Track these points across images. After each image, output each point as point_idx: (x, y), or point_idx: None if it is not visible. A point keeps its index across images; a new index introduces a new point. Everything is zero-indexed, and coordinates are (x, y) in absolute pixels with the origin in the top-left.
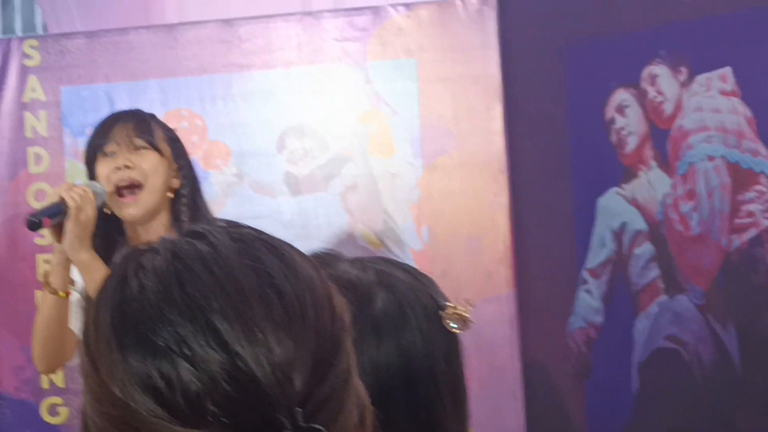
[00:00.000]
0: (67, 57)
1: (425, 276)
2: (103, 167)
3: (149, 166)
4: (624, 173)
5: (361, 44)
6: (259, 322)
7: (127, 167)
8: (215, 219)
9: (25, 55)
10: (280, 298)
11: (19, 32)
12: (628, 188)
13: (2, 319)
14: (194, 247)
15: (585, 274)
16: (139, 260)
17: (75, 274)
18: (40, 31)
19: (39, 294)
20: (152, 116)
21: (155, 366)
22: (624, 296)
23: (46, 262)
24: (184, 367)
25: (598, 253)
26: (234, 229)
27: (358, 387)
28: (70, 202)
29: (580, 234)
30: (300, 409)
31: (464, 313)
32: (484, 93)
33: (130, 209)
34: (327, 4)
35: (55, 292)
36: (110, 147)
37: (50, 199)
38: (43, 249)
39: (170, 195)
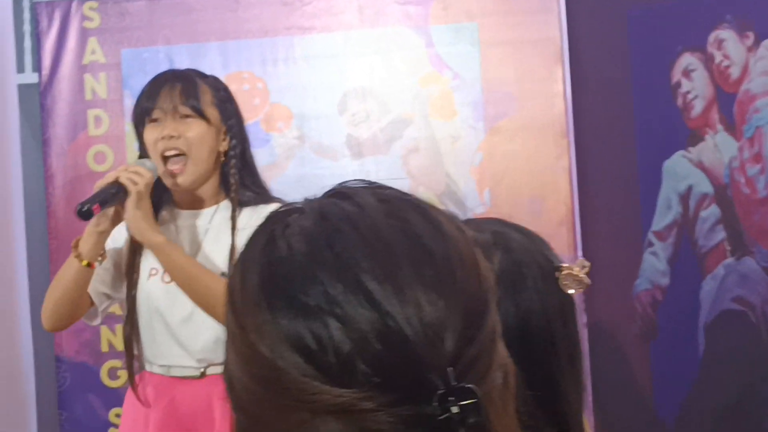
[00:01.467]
0: (127, 19)
1: (539, 237)
2: (150, 134)
3: (194, 135)
4: (690, 137)
5: (423, 8)
6: (409, 282)
7: (172, 137)
8: (263, 182)
9: (85, 17)
10: (429, 258)
11: None
12: (694, 151)
13: None
14: (341, 208)
15: (651, 237)
16: (285, 221)
17: (110, 244)
18: None
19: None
20: (202, 77)
21: (306, 326)
22: (690, 258)
23: None
24: (335, 326)
25: (664, 216)
26: (379, 189)
27: (502, 348)
28: (130, 187)
29: (645, 197)
30: (451, 369)
31: (580, 274)
32: (546, 56)
33: (177, 179)
34: None
35: (80, 258)
36: (156, 113)
37: (98, 180)
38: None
39: (221, 158)
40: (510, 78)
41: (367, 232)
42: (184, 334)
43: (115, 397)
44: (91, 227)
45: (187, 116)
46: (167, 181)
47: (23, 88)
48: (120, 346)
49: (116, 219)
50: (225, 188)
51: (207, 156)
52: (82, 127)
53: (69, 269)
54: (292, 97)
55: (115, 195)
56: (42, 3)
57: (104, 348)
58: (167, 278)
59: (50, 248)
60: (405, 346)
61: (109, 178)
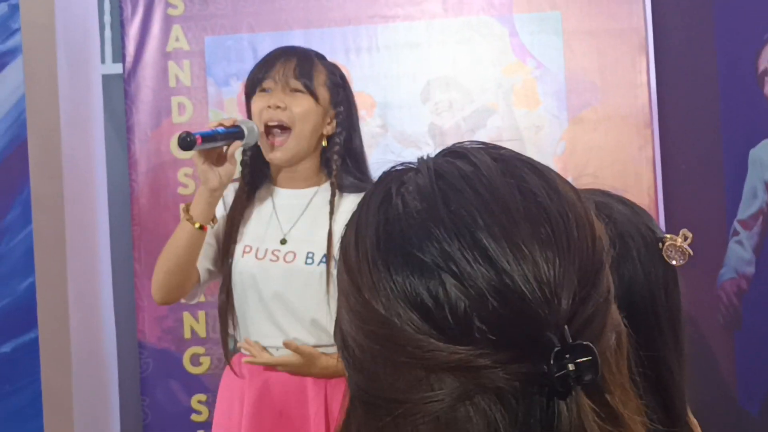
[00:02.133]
0: (210, 6)
1: (642, 208)
2: (258, 102)
3: (300, 111)
4: None
5: None
6: (526, 240)
7: (278, 107)
8: (368, 169)
9: (169, 4)
10: (545, 216)
11: None
12: None
13: (145, 268)
14: (456, 166)
15: (736, 226)
16: (401, 179)
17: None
18: None
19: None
20: (320, 57)
21: (422, 283)
22: None
23: None
24: (451, 283)
25: (749, 205)
26: (493, 149)
27: (615, 309)
28: (252, 133)
29: (730, 185)
30: (567, 327)
31: (683, 245)
32: (629, 46)
33: (276, 152)
34: None
35: (191, 221)
36: (268, 83)
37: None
38: (185, 198)
39: (324, 143)
40: (593, 68)
41: (483, 189)
42: (276, 312)
43: (197, 384)
44: (200, 191)
45: (297, 90)
46: (266, 152)
47: (105, 79)
48: (202, 332)
49: (218, 167)
50: (326, 171)
51: (309, 134)
52: (165, 114)
53: (182, 234)
54: (375, 86)
55: (224, 136)
56: None
57: (187, 335)
58: (260, 255)
59: (133, 234)
60: (521, 304)
61: (223, 120)
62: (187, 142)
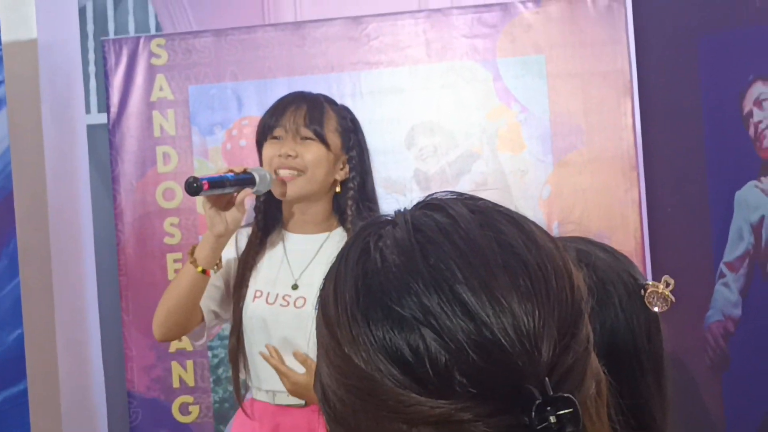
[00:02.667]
0: (194, 55)
1: (623, 255)
2: (268, 150)
3: (312, 158)
4: (762, 166)
5: (491, 41)
6: (505, 292)
7: (289, 156)
8: (379, 212)
9: (153, 54)
10: (524, 268)
11: (132, 33)
12: (767, 181)
13: (133, 318)
14: (433, 219)
15: (723, 268)
16: (378, 233)
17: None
18: (153, 31)
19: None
20: (330, 102)
21: (402, 337)
22: (762, 289)
23: (176, 261)
24: (431, 337)
25: (735, 247)
26: (470, 200)
27: (594, 357)
28: (263, 180)
29: (717, 227)
30: (547, 379)
31: (665, 292)
32: (614, 89)
33: (284, 188)
34: (455, 1)
35: (194, 263)
36: (278, 131)
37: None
38: (172, 248)
39: (337, 189)
40: (578, 111)
41: (461, 242)
42: (286, 357)
43: None
44: (207, 235)
45: (308, 138)
46: (276, 190)
47: (90, 129)
48: (191, 381)
49: (227, 214)
50: (338, 216)
51: (322, 178)
52: (150, 164)
53: (185, 276)
54: None
55: (234, 182)
56: (110, 40)
57: (176, 384)
58: (271, 300)
59: (120, 285)
60: (502, 357)
61: (234, 167)
62: (193, 187)
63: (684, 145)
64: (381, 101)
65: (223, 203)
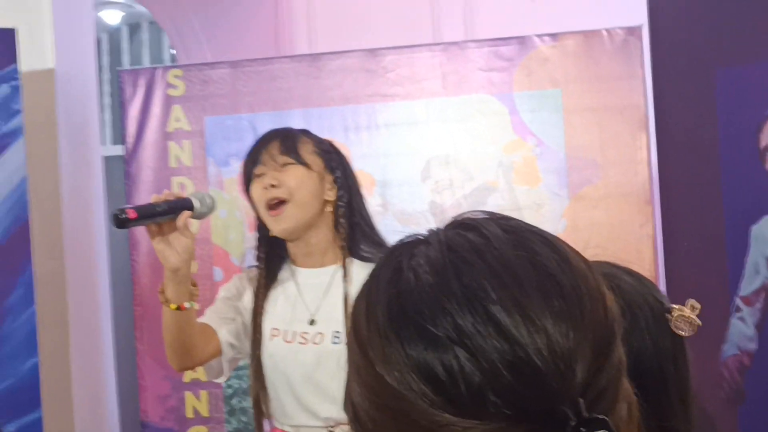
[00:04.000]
0: (210, 87)
1: (649, 280)
2: (254, 190)
3: (295, 181)
4: None
5: (507, 74)
6: (539, 313)
7: (273, 186)
8: (381, 235)
9: (170, 85)
10: (558, 288)
11: (147, 60)
12: None
13: (148, 348)
14: (467, 239)
15: (738, 302)
16: (411, 252)
17: (236, 301)
18: (167, 62)
19: None
20: (303, 131)
21: (436, 357)
22: None
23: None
24: (464, 357)
25: (752, 281)
26: (503, 221)
27: (626, 380)
28: (204, 202)
29: (732, 262)
30: (581, 400)
31: (691, 316)
32: (630, 123)
33: (280, 224)
34: (470, 34)
35: (166, 303)
36: (258, 169)
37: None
38: None
39: (329, 209)
40: (594, 145)
41: (494, 262)
42: (307, 394)
43: None
44: (165, 270)
45: (287, 164)
46: (273, 229)
47: (105, 161)
48: (204, 412)
49: (175, 244)
50: (338, 238)
51: (309, 199)
52: None
53: (166, 316)
54: (374, 164)
55: (167, 209)
56: (126, 71)
57: (189, 414)
58: (289, 338)
59: (135, 315)
60: (536, 377)
61: (167, 193)
62: (120, 219)
63: (700, 179)
64: (397, 134)
65: (171, 234)
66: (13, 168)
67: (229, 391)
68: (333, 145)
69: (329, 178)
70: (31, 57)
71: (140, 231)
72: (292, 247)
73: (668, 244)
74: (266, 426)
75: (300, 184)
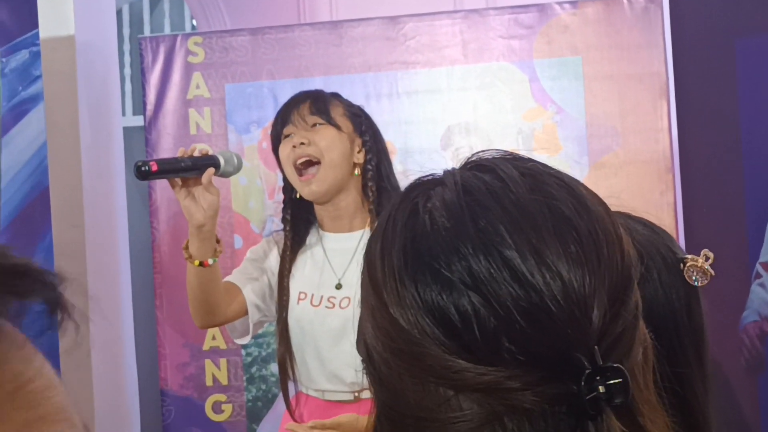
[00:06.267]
0: (231, 54)
1: (663, 230)
2: (283, 149)
3: (325, 142)
4: None
5: (527, 42)
6: (555, 258)
7: (303, 144)
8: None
9: (190, 52)
10: (574, 233)
11: (168, 31)
12: None
13: (167, 316)
14: (483, 181)
15: (759, 268)
16: (427, 194)
17: (263, 262)
18: (188, 29)
19: None
20: (333, 94)
21: (450, 300)
22: None
23: None
24: (479, 302)
25: None
26: (521, 162)
27: (642, 324)
28: (229, 161)
29: (752, 228)
30: (597, 347)
31: (705, 265)
32: (650, 91)
33: (311, 186)
34: (491, 2)
35: (189, 259)
36: (288, 129)
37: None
38: None
39: (357, 171)
40: (614, 113)
41: (511, 206)
42: (333, 359)
43: (219, 431)
44: (190, 226)
45: (318, 124)
46: (304, 191)
47: (125, 131)
48: (224, 380)
49: (201, 200)
50: (366, 201)
51: (340, 161)
52: None
53: (190, 273)
54: (395, 132)
55: (191, 165)
56: (146, 38)
57: (209, 382)
58: (316, 302)
59: (155, 282)
60: (551, 323)
61: (193, 149)
62: (142, 171)
63: (720, 147)
64: (417, 101)
65: (199, 191)
66: (34, 134)
67: (249, 359)
68: (362, 109)
69: (358, 141)
70: (51, 23)
71: (161, 199)
72: (320, 210)
73: (688, 211)
74: (291, 390)
75: (331, 144)
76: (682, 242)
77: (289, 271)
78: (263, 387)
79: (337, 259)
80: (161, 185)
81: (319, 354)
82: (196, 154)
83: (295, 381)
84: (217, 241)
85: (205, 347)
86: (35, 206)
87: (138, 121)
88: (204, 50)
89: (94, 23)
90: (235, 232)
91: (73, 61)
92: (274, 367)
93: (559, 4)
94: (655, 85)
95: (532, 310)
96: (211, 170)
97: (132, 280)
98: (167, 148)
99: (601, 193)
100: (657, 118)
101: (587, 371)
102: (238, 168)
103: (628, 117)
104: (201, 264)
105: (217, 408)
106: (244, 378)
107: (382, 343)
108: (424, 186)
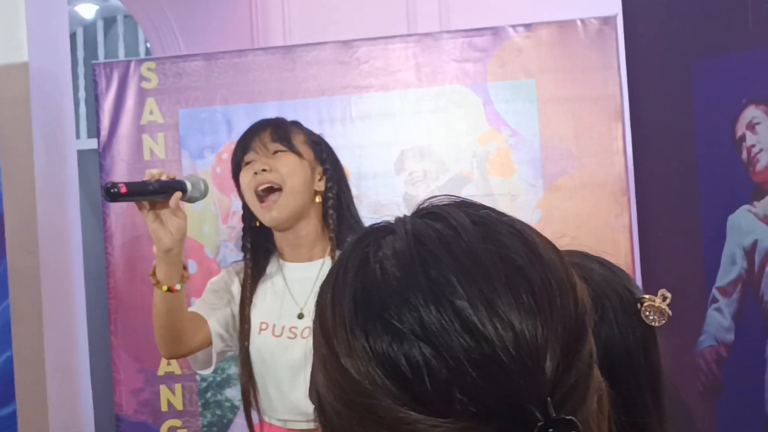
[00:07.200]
0: (184, 79)
1: (620, 269)
2: (244, 176)
3: (287, 168)
4: (755, 191)
5: (481, 65)
6: (506, 309)
7: (264, 171)
8: (361, 222)
9: (143, 78)
10: (527, 283)
11: (122, 54)
12: (759, 206)
13: (122, 341)
14: (435, 230)
15: (715, 293)
16: (378, 242)
17: (227, 287)
18: (143, 56)
19: None
20: (294, 122)
21: (401, 351)
22: (755, 314)
23: None
24: (430, 353)
25: (728, 271)
26: (473, 210)
27: (596, 371)
28: (196, 186)
29: (709, 252)
30: (550, 399)
31: (661, 305)
32: (605, 113)
33: (272, 212)
34: (445, 25)
35: (157, 285)
36: (249, 156)
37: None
38: None
39: (318, 199)
40: (569, 135)
41: (462, 255)
42: (294, 389)
43: None
44: (157, 250)
45: (279, 151)
46: (265, 218)
47: (80, 154)
48: (179, 405)
49: (168, 224)
50: (326, 230)
51: (301, 188)
52: None
53: (157, 299)
54: (349, 157)
55: (159, 188)
56: (101, 64)
57: (164, 407)
58: (278, 332)
59: (109, 308)
60: (503, 375)
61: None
62: (111, 192)
63: (676, 169)
64: (371, 125)
65: (166, 214)
66: None
67: (204, 384)
68: (322, 138)
69: (319, 169)
70: (4, 51)
71: (116, 225)
72: (280, 239)
73: (644, 234)
74: (254, 418)
75: (292, 171)
76: (637, 266)
77: (251, 300)
78: (218, 412)
79: (298, 288)
80: (115, 211)
81: (280, 385)
82: (163, 178)
83: (258, 410)
84: (184, 267)
85: (160, 372)
86: None
87: (92, 143)
88: (158, 75)
89: (47, 49)
90: (188, 257)
91: (27, 87)
92: (229, 393)
93: (513, 27)
94: (610, 107)
95: (483, 361)
96: (178, 194)
97: (86, 305)
98: (121, 173)
99: (557, 215)
100: (612, 140)
101: (540, 423)
102: (204, 193)
103: (582, 139)
104: (169, 289)
105: None
106: (199, 403)
107: (334, 393)
108: (375, 234)
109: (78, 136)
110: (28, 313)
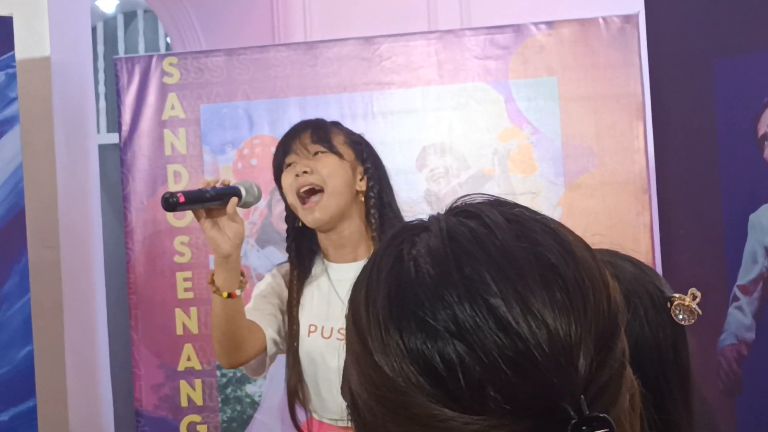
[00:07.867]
0: (206, 75)
1: (650, 268)
2: (285, 178)
3: (328, 170)
4: None
5: (503, 62)
6: (540, 306)
7: (305, 173)
8: (403, 220)
9: (165, 73)
10: (560, 280)
11: (142, 49)
12: None
13: (142, 336)
14: (469, 227)
15: (736, 291)
16: (412, 240)
17: (275, 291)
18: (162, 51)
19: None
20: (334, 123)
21: (435, 349)
22: None
23: (186, 279)
24: (464, 350)
25: (749, 270)
26: (506, 208)
27: (629, 369)
28: (250, 191)
29: (731, 250)
30: (583, 396)
31: (691, 304)
32: (626, 111)
33: (314, 214)
34: (466, 22)
35: (217, 292)
36: (290, 158)
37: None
38: (182, 267)
39: (361, 198)
40: (590, 133)
41: (496, 253)
42: None
43: None
44: (216, 257)
45: (319, 152)
46: (307, 219)
47: (100, 149)
48: (199, 401)
49: (227, 229)
50: (368, 229)
51: (342, 189)
52: (161, 183)
53: (216, 306)
54: None
55: (215, 195)
56: (122, 59)
57: (184, 403)
58: (327, 334)
59: (130, 303)
60: (536, 372)
61: (214, 180)
62: (170, 202)
63: (698, 168)
64: (393, 122)
65: (223, 221)
66: (9, 156)
67: (224, 380)
68: (362, 137)
69: (360, 169)
70: (27, 45)
71: (137, 220)
72: (323, 239)
73: (665, 233)
74: (300, 415)
75: (333, 172)
76: (658, 264)
77: (298, 301)
78: (238, 408)
79: (344, 289)
80: (136, 206)
81: (331, 386)
82: (218, 185)
83: (306, 408)
84: (241, 273)
85: (180, 368)
86: (11, 228)
87: (112, 138)
88: (179, 71)
89: (69, 44)
90: (210, 252)
91: (48, 82)
92: (249, 388)
93: (535, 24)
94: (631, 106)
95: (517, 358)
96: (235, 200)
97: (107, 301)
98: (142, 168)
99: (578, 213)
100: (633, 139)
101: (573, 421)
102: (258, 198)
103: (604, 137)
104: (229, 295)
105: (192, 429)
106: (219, 399)
107: (366, 390)
108: (409, 232)
109: (98, 131)
110: (48, 308)
